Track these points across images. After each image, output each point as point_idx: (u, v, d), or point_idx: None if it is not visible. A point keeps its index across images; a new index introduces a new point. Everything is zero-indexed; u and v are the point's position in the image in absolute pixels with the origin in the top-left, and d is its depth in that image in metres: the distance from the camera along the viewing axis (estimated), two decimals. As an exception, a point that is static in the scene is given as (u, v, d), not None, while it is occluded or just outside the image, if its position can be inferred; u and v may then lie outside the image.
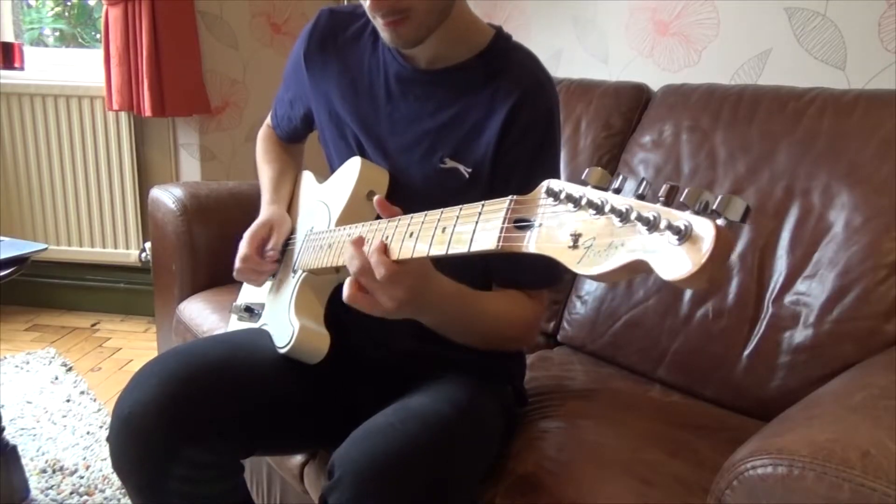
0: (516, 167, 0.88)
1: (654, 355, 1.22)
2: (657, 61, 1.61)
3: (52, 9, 2.69)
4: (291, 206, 1.12)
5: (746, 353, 1.11)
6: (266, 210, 1.07)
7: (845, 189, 1.08)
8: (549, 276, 0.94)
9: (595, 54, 1.74)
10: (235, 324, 1.11)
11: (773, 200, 1.14)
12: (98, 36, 2.43)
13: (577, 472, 0.85)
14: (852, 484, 0.54)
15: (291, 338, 0.88)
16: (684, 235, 0.41)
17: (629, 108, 1.44)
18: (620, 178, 0.48)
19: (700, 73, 1.53)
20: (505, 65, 0.91)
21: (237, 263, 1.00)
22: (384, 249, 0.70)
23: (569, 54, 1.81)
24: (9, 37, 2.43)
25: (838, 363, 1.01)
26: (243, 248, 0.99)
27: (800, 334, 1.06)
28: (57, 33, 2.74)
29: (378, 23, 0.83)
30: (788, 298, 1.09)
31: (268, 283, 1.06)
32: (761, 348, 1.10)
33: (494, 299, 0.90)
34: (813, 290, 1.07)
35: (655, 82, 1.48)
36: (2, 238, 1.43)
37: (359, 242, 0.73)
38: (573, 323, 1.36)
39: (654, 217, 0.43)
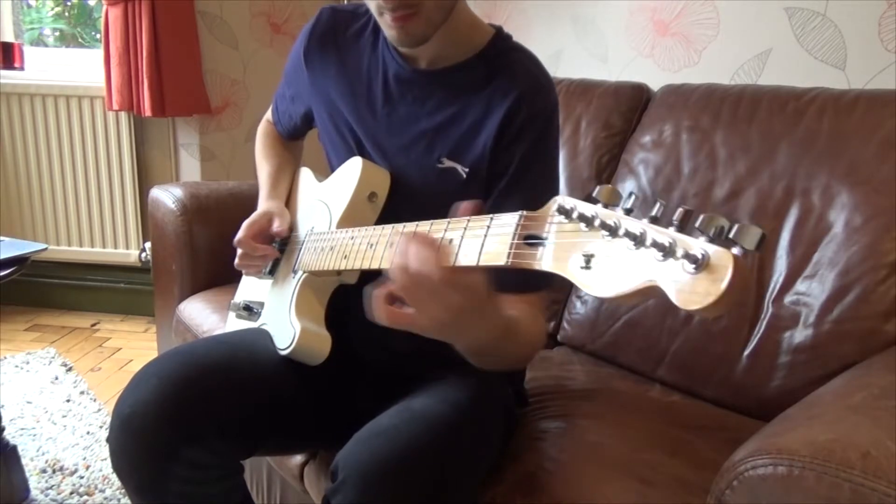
0: (510, 166, 0.88)
1: (654, 355, 1.22)
2: (657, 61, 1.61)
3: (52, 9, 2.68)
4: (290, 203, 1.12)
5: (746, 353, 1.11)
6: (264, 204, 1.07)
7: (845, 189, 1.08)
8: (548, 276, 0.92)
9: (595, 54, 1.74)
10: (234, 322, 1.11)
11: (773, 200, 1.14)
12: (98, 36, 2.43)
13: (577, 472, 0.85)
14: (852, 484, 0.54)
15: (292, 340, 0.88)
16: (701, 265, 0.41)
17: (629, 108, 1.44)
18: (633, 197, 0.48)
19: (700, 73, 1.53)
20: (504, 65, 0.90)
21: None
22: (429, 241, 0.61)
23: (569, 54, 1.81)
24: (9, 37, 2.43)
25: (838, 363, 1.01)
26: (239, 232, 0.99)
27: (800, 334, 1.06)
28: (57, 33, 2.74)
29: (385, 20, 0.82)
30: (788, 298, 1.09)
31: (267, 282, 1.06)
32: (761, 348, 1.10)
33: (525, 326, 0.83)
34: (813, 290, 1.07)
35: (655, 82, 1.48)
36: (2, 238, 1.43)
37: (424, 241, 0.61)
38: (573, 323, 1.36)
39: (669, 244, 0.43)
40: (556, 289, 1.40)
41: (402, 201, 0.92)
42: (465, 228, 0.61)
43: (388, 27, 0.84)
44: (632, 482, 0.83)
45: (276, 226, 1.01)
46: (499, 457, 0.89)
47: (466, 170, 0.90)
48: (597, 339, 1.31)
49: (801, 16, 1.35)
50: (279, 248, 1.05)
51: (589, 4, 1.74)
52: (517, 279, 0.89)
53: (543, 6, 1.86)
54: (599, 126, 1.44)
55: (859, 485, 0.54)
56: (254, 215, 1.02)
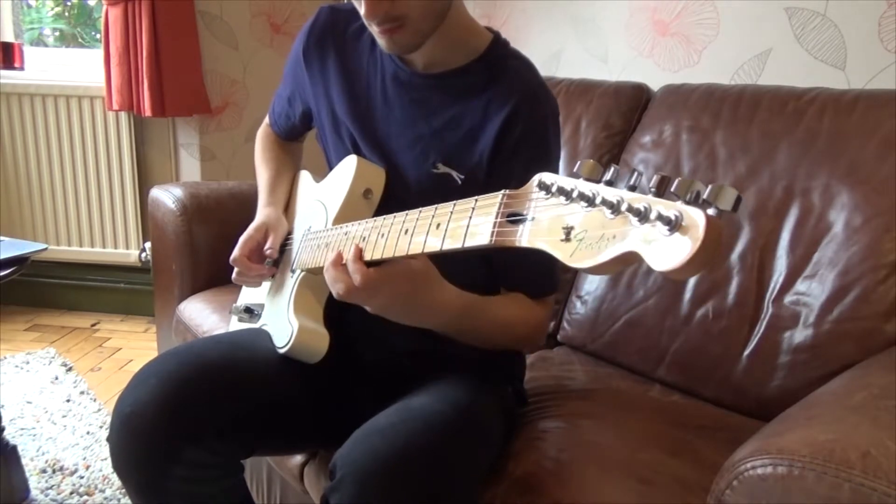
0: (511, 178, 0.88)
1: (654, 355, 1.21)
2: (657, 61, 1.61)
3: (52, 9, 2.69)
4: (289, 207, 1.12)
5: (746, 353, 1.11)
6: (261, 213, 1.07)
7: (845, 189, 1.08)
8: (551, 282, 0.95)
9: (595, 54, 1.74)
10: (236, 325, 1.12)
11: (773, 200, 1.14)
12: (98, 36, 2.43)
13: (577, 472, 0.85)
14: (852, 484, 0.54)
15: (290, 338, 0.88)
16: (675, 225, 0.41)
17: (629, 108, 1.44)
18: (613, 170, 0.48)
19: (700, 73, 1.53)
20: (501, 72, 0.90)
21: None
22: (359, 256, 0.73)
23: (569, 54, 1.81)
24: (9, 37, 2.43)
25: (838, 363, 1.00)
26: (234, 251, 0.99)
27: (800, 334, 1.06)
28: (57, 33, 2.74)
29: (374, 30, 0.84)
30: (788, 298, 1.09)
31: (267, 284, 1.06)
32: (761, 348, 1.10)
33: (503, 306, 0.90)
34: (813, 290, 1.07)
35: (655, 82, 1.48)
36: (2, 238, 1.43)
37: (338, 261, 0.75)
38: (573, 323, 1.36)
39: (644, 208, 0.43)
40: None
41: (398, 201, 0.92)
42: (451, 213, 0.62)
43: (377, 35, 0.85)
44: (632, 482, 0.83)
45: (269, 244, 1.00)
46: (499, 457, 0.89)
47: (462, 176, 0.90)
48: (597, 339, 1.31)
49: (801, 16, 1.35)
50: (279, 254, 1.05)
51: (589, 4, 1.74)
52: (515, 281, 0.90)
53: (543, 6, 1.86)
54: (599, 126, 1.44)
55: (859, 485, 0.54)
56: (249, 230, 1.01)
